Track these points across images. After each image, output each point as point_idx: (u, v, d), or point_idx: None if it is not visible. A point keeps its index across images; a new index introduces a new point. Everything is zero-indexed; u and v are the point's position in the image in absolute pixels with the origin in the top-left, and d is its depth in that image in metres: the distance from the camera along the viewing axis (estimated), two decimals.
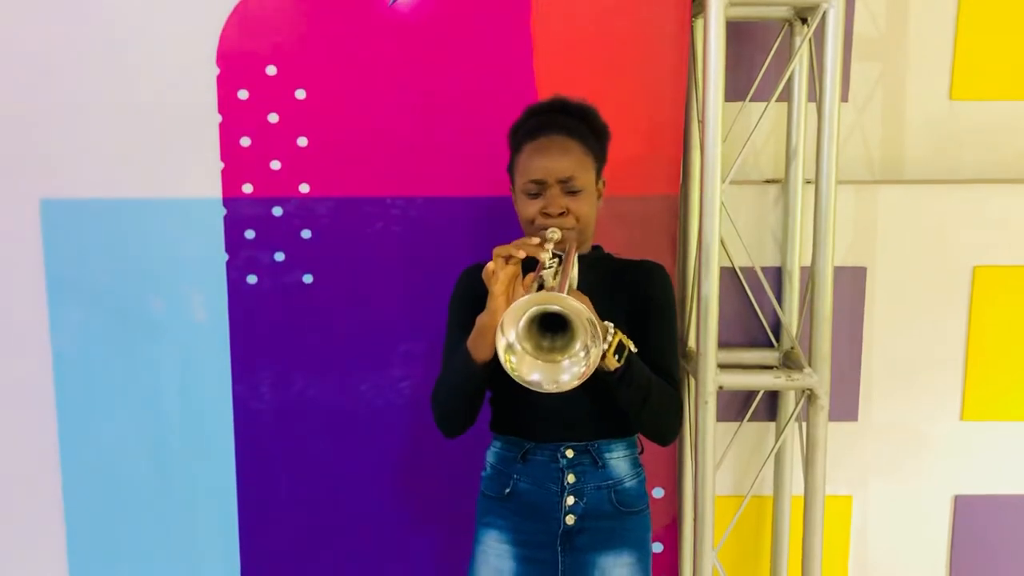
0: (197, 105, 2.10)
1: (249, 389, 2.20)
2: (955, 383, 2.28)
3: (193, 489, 2.24)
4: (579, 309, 1.33)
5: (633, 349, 1.52)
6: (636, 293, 1.67)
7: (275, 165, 2.12)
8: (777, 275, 2.25)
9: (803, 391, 2.08)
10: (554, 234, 1.56)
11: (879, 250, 2.24)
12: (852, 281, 2.24)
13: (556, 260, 1.50)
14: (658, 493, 2.21)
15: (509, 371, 1.37)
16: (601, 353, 1.38)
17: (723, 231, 1.98)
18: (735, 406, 2.31)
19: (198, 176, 2.13)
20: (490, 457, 1.74)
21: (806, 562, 2.12)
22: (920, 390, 2.29)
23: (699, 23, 2.07)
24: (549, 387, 1.37)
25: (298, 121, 2.10)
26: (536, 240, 1.50)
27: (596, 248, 1.74)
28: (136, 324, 2.18)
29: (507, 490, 1.68)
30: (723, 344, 2.15)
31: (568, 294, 1.36)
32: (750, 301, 2.25)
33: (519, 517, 1.67)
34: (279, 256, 2.15)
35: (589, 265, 1.63)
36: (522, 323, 1.36)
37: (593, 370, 1.36)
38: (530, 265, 1.50)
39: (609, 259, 1.75)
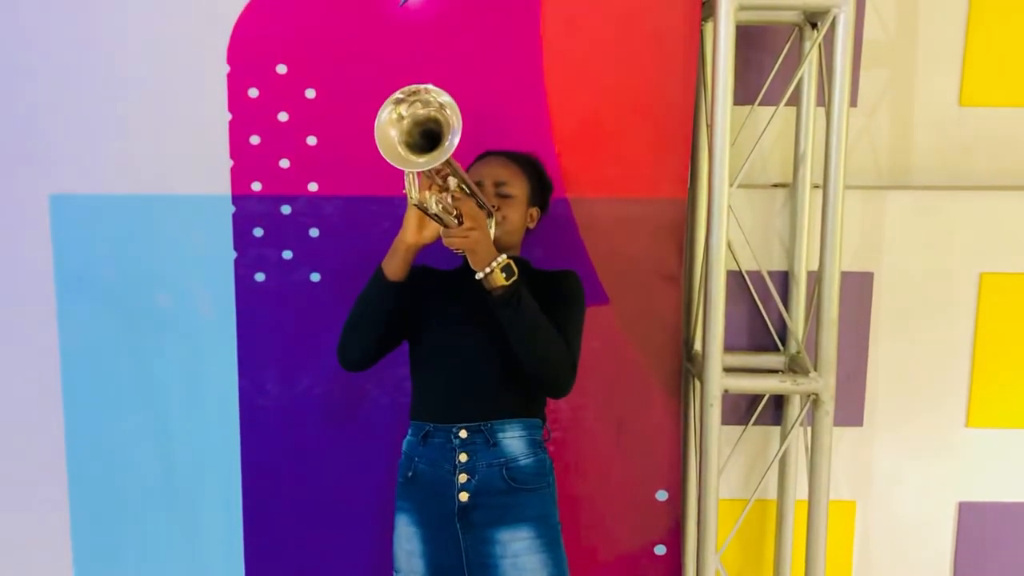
0: (207, 103, 2.11)
1: (255, 386, 2.20)
2: (961, 390, 2.28)
3: (198, 485, 2.24)
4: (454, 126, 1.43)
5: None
6: (547, 291, 1.74)
7: (284, 163, 2.13)
8: (784, 279, 2.25)
9: (808, 396, 2.08)
10: None
11: (886, 255, 2.24)
12: (859, 286, 2.24)
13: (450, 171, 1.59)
14: (661, 496, 2.21)
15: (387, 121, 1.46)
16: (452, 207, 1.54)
17: (730, 235, 1.99)
18: (740, 410, 2.31)
19: (207, 173, 2.13)
20: (404, 445, 1.83)
21: (809, 567, 2.12)
22: (925, 396, 2.29)
23: (709, 26, 2.08)
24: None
25: (307, 120, 2.11)
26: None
27: (521, 261, 1.79)
28: (144, 320, 2.19)
29: (410, 473, 1.78)
30: (729, 348, 2.15)
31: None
32: (756, 305, 2.25)
33: (421, 498, 1.76)
34: (287, 254, 2.16)
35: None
36: (407, 123, 1.46)
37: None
38: None
39: (531, 270, 1.82)
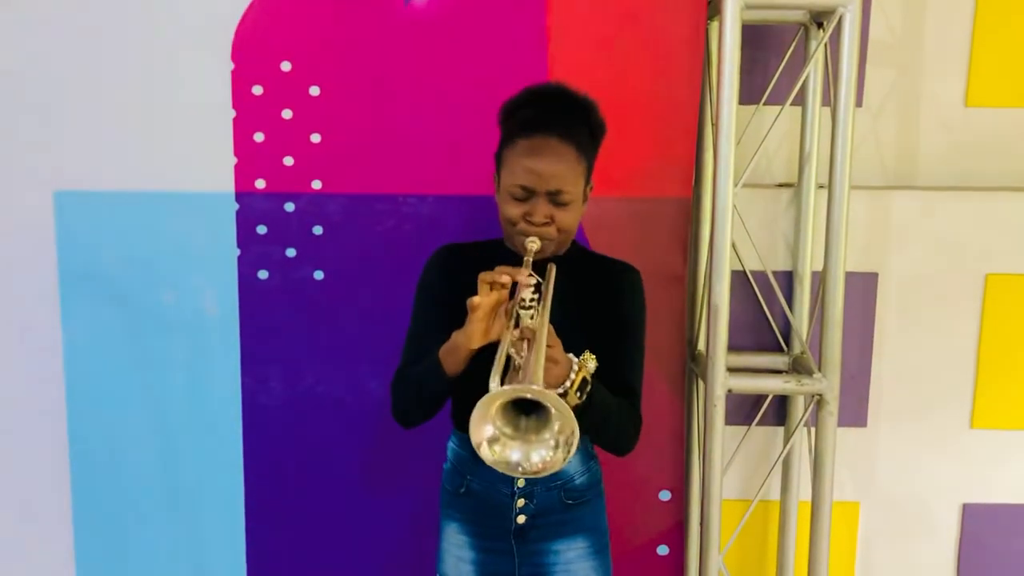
0: (211, 100, 2.11)
1: (258, 383, 2.20)
2: (965, 391, 2.27)
3: (201, 482, 2.25)
4: (554, 400, 1.30)
5: (593, 367, 1.50)
6: (610, 305, 1.66)
7: (288, 161, 2.12)
8: (788, 279, 2.24)
9: (812, 396, 2.07)
10: (533, 244, 1.56)
11: (891, 256, 2.23)
12: (863, 287, 2.23)
13: (536, 293, 1.47)
14: (665, 496, 2.21)
15: (493, 462, 1.37)
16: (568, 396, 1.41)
17: (735, 235, 1.98)
18: (744, 410, 2.30)
19: (211, 171, 2.13)
20: (449, 452, 1.78)
21: (813, 568, 2.11)
22: (930, 397, 2.28)
23: (714, 25, 2.07)
24: (525, 465, 1.37)
25: (312, 118, 2.11)
26: (522, 273, 1.47)
27: (573, 244, 1.71)
28: (147, 317, 2.19)
29: (462, 489, 1.72)
30: (733, 348, 2.14)
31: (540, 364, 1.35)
32: (761, 305, 2.25)
33: (474, 512, 1.71)
34: (290, 252, 2.16)
35: (566, 264, 1.64)
36: (495, 410, 1.34)
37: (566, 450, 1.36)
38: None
39: (585, 257, 1.73)
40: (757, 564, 2.38)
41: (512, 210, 1.59)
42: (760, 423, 2.30)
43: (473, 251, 1.72)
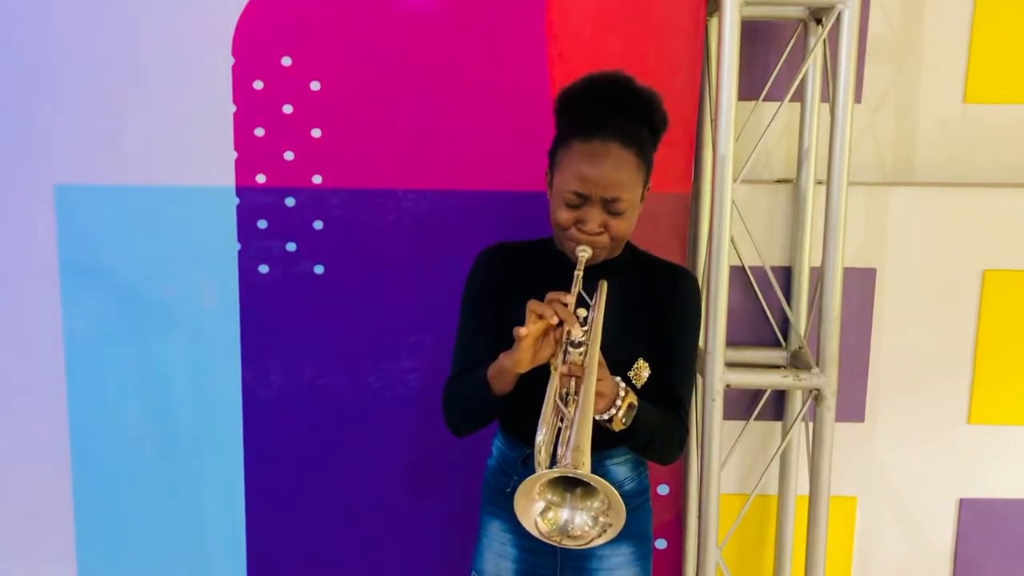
0: (212, 95, 2.11)
1: (258, 378, 2.21)
2: (963, 386, 2.28)
3: (201, 475, 2.25)
4: (601, 483, 1.27)
5: (647, 375, 1.48)
6: (665, 312, 1.60)
7: (288, 156, 2.13)
8: (787, 275, 2.25)
9: (810, 391, 2.08)
10: (584, 253, 1.50)
11: (889, 252, 2.24)
12: (861, 282, 2.24)
13: (584, 326, 1.42)
14: (663, 490, 2.22)
15: (547, 534, 1.33)
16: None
17: (733, 230, 1.99)
18: (742, 405, 2.31)
19: (212, 165, 2.13)
20: (495, 450, 1.74)
21: (810, 562, 2.13)
22: (927, 393, 2.29)
23: (714, 21, 2.07)
24: (570, 528, 1.34)
25: (312, 112, 2.11)
26: (570, 310, 1.41)
27: (626, 246, 1.63)
28: (147, 311, 2.19)
29: (508, 489, 1.66)
30: (731, 343, 2.15)
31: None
32: (759, 300, 2.26)
33: None
34: (291, 246, 2.16)
35: (619, 269, 1.60)
36: (540, 488, 1.31)
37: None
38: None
39: (639, 260, 1.66)
40: (755, 558, 2.39)
41: (564, 215, 1.51)
42: (758, 418, 2.31)
43: (520, 251, 1.67)
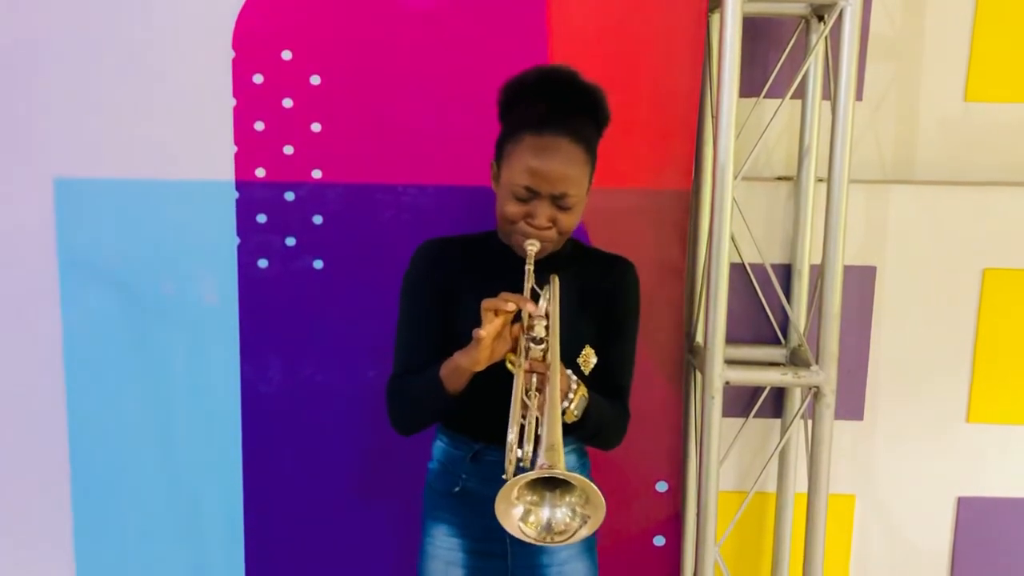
0: (212, 88, 2.10)
1: (257, 372, 2.21)
2: (962, 385, 2.28)
3: (199, 471, 2.25)
4: (580, 480, 1.29)
5: (594, 362, 1.52)
6: (607, 303, 1.65)
7: (288, 150, 2.12)
8: (786, 272, 2.25)
9: (809, 389, 2.08)
10: (533, 247, 1.52)
11: (889, 250, 2.24)
12: (861, 280, 2.24)
13: (545, 319, 1.44)
14: (662, 487, 2.22)
15: (536, 538, 1.34)
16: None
17: (734, 227, 1.99)
18: (741, 402, 2.31)
19: (211, 159, 2.13)
20: (437, 452, 1.73)
21: (808, 560, 2.13)
22: (927, 391, 2.29)
23: (715, 18, 2.07)
24: (554, 524, 1.35)
25: (312, 107, 2.11)
26: (530, 303, 1.44)
27: (568, 240, 1.65)
28: (146, 305, 2.19)
29: (456, 488, 1.67)
30: (731, 340, 2.15)
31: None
32: (759, 298, 2.26)
33: (468, 513, 1.67)
34: (290, 241, 2.16)
35: (562, 262, 1.62)
36: (518, 491, 1.32)
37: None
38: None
39: (581, 252, 1.70)
40: (753, 555, 2.39)
41: (513, 209, 1.54)
42: (757, 415, 2.31)
43: (461, 246, 1.69)
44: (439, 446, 1.73)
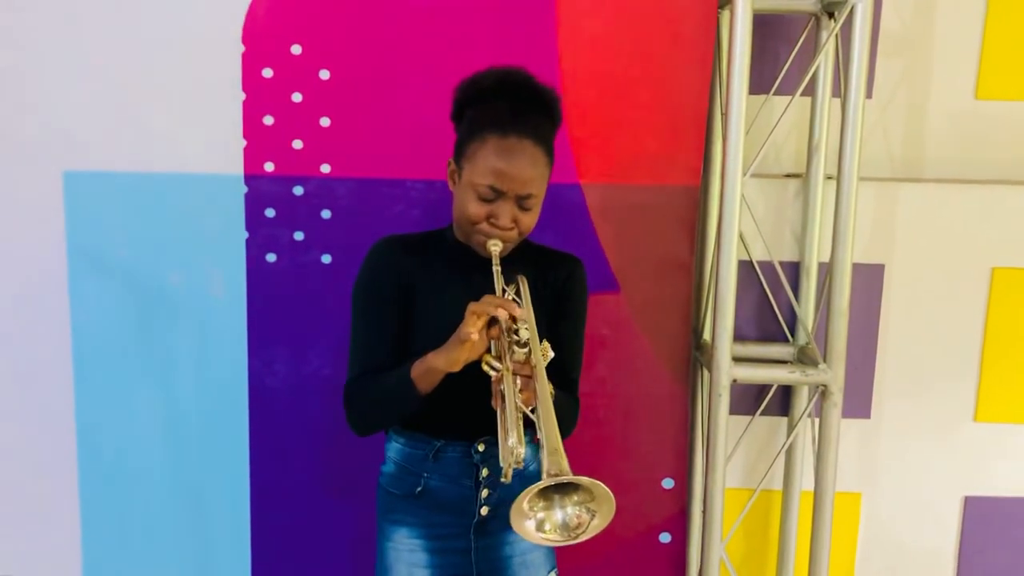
0: (221, 82, 2.11)
1: (265, 366, 2.21)
2: (970, 384, 2.28)
3: (206, 463, 2.26)
4: (590, 481, 1.30)
5: (551, 356, 1.51)
6: (557, 299, 1.68)
7: (297, 144, 2.13)
8: (795, 270, 2.24)
9: (817, 387, 2.08)
10: (496, 247, 1.54)
11: (898, 248, 2.23)
12: (870, 278, 2.24)
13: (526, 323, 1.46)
14: (668, 484, 2.22)
15: (552, 541, 1.35)
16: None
17: (742, 224, 1.99)
18: (748, 399, 2.31)
19: (220, 153, 2.13)
20: (393, 453, 1.71)
21: (814, 558, 2.12)
22: (934, 390, 2.28)
23: (725, 15, 2.07)
24: (569, 522, 1.36)
25: (321, 101, 2.11)
26: (515, 307, 1.45)
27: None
28: (155, 298, 2.19)
29: (418, 489, 1.66)
30: (738, 337, 2.15)
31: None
32: (767, 295, 2.25)
33: (431, 513, 1.66)
34: (299, 235, 2.16)
35: (515, 259, 1.63)
36: (528, 503, 1.32)
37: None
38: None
39: (534, 250, 1.72)
40: (759, 553, 2.39)
41: (476, 209, 1.54)
42: (764, 413, 2.30)
43: (418, 244, 1.69)
44: (395, 447, 1.71)
